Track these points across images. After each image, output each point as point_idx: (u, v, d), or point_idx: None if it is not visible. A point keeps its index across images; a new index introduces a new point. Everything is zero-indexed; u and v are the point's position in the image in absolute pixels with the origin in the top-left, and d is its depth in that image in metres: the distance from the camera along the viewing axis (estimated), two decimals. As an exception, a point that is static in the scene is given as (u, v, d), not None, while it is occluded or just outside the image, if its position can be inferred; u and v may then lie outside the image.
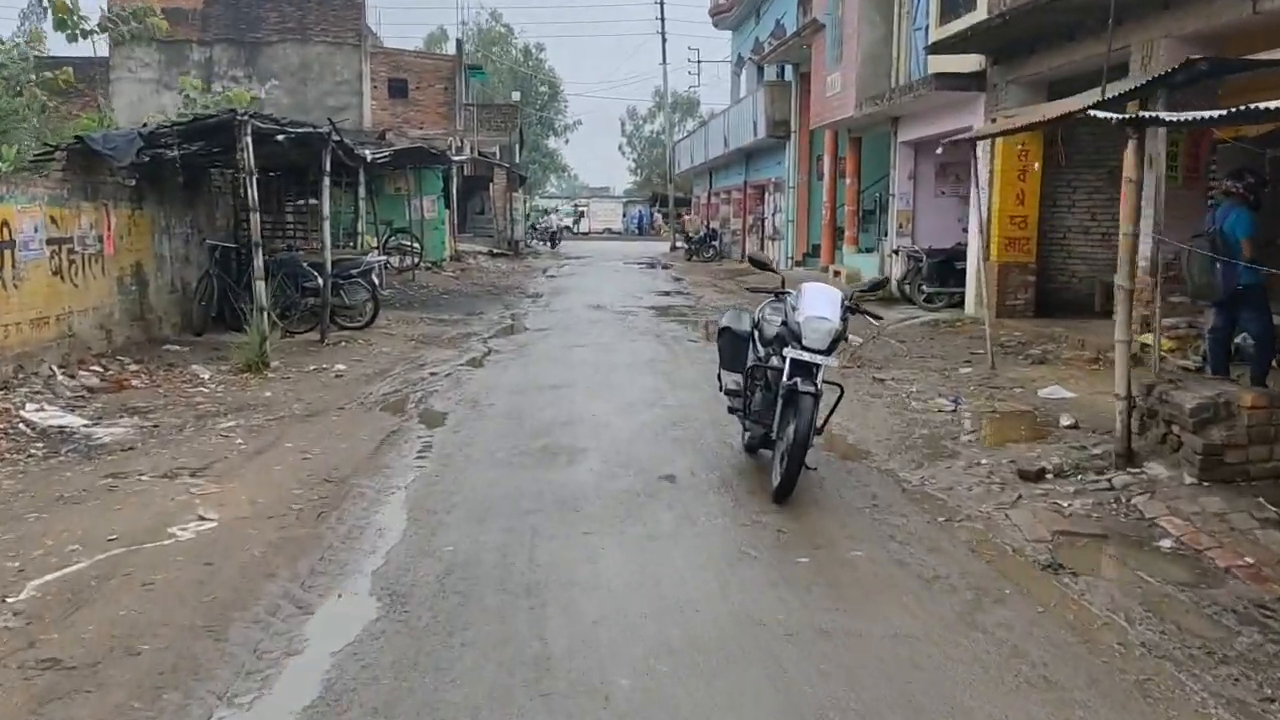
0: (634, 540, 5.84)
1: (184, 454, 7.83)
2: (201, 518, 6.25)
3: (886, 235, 21.21)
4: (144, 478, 7.15)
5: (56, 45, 20.23)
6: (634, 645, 4.41)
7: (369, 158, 17.02)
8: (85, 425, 8.74)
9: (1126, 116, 6.93)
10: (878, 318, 7.73)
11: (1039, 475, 7.04)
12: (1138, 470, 6.97)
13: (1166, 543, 5.85)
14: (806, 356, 6.48)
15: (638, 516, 6.27)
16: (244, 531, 6.02)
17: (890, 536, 5.91)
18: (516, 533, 5.96)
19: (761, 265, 7.50)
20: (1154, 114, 6.69)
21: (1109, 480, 6.87)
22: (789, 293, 7.01)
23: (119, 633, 4.60)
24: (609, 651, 4.35)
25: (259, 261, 11.75)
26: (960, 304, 17.02)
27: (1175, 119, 6.43)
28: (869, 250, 22.65)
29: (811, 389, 6.37)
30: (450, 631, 4.58)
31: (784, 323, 6.78)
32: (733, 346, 7.62)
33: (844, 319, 6.69)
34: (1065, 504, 6.51)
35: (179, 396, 10.11)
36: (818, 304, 6.63)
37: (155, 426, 8.75)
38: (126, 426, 8.74)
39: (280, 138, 12.64)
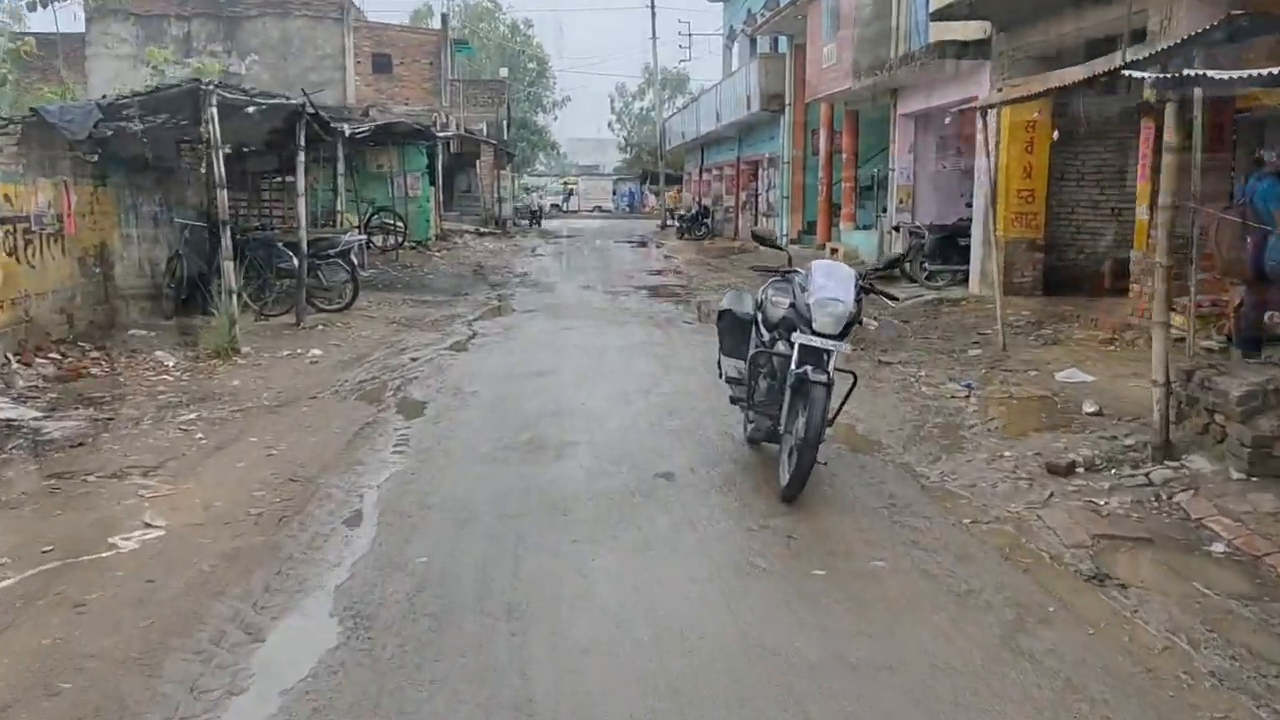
0: (628, 549, 5.23)
1: (138, 450, 7.20)
2: (148, 525, 5.64)
3: (885, 211, 20.59)
4: (90, 478, 6.52)
5: (38, 22, 19.46)
6: (630, 681, 3.81)
7: (347, 132, 16.31)
8: (35, 419, 8.09)
9: (1167, 77, 6.31)
10: (894, 299, 7.12)
11: (1069, 469, 6.46)
12: (1177, 464, 6.39)
13: (1218, 547, 5.28)
14: (817, 342, 5.87)
15: (632, 521, 5.66)
16: (194, 541, 5.40)
17: (913, 542, 5.33)
18: (498, 541, 5.36)
19: (766, 242, 6.88)
20: (1200, 72, 6.07)
21: (1146, 475, 6.30)
22: (796, 272, 6.39)
23: (40, 666, 4.00)
24: (601, 690, 3.76)
25: (227, 241, 11.08)
26: (964, 281, 16.42)
27: (1224, 78, 5.82)
28: (867, 227, 22.03)
29: (823, 378, 5.76)
30: (419, 664, 3.98)
31: (791, 305, 6.17)
32: (734, 330, 7.01)
33: (857, 300, 6.08)
34: (1101, 502, 5.93)
35: (140, 385, 9.46)
36: (829, 284, 6.00)
37: (110, 419, 8.11)
38: (80, 419, 8.10)
39: (250, 110, 11.93)
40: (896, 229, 18.73)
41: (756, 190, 32.83)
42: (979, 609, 4.47)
